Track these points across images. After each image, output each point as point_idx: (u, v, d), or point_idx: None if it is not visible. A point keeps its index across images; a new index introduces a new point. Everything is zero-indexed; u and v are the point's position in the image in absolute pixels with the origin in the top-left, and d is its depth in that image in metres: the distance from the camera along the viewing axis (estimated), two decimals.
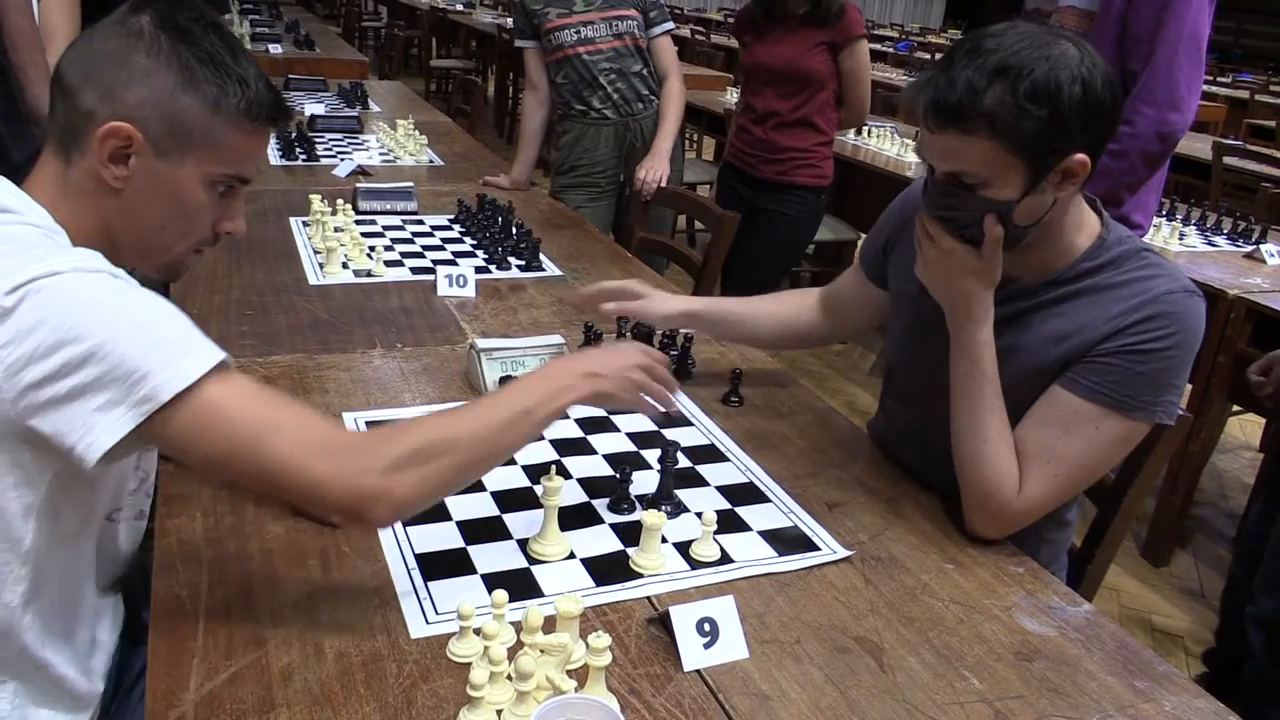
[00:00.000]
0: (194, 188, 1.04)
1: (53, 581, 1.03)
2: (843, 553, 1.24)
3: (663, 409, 1.20)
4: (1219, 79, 9.69)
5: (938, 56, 9.67)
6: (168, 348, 0.91)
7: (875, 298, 1.60)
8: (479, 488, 1.31)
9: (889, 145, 4.42)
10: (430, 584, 1.11)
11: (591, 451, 1.44)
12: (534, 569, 1.16)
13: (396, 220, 2.50)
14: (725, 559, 1.21)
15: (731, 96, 5.53)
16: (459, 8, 10.50)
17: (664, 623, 1.06)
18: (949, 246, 1.26)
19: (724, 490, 1.37)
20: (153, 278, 1.12)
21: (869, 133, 4.53)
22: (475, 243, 2.37)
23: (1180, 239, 3.18)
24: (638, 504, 1.29)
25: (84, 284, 0.92)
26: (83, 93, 0.99)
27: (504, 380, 1.51)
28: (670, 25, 3.09)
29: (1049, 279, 1.30)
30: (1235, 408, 2.80)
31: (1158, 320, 1.22)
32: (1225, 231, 3.37)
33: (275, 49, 5.30)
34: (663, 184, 2.87)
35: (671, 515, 1.26)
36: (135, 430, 0.89)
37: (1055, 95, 1.13)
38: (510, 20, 8.29)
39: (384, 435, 0.99)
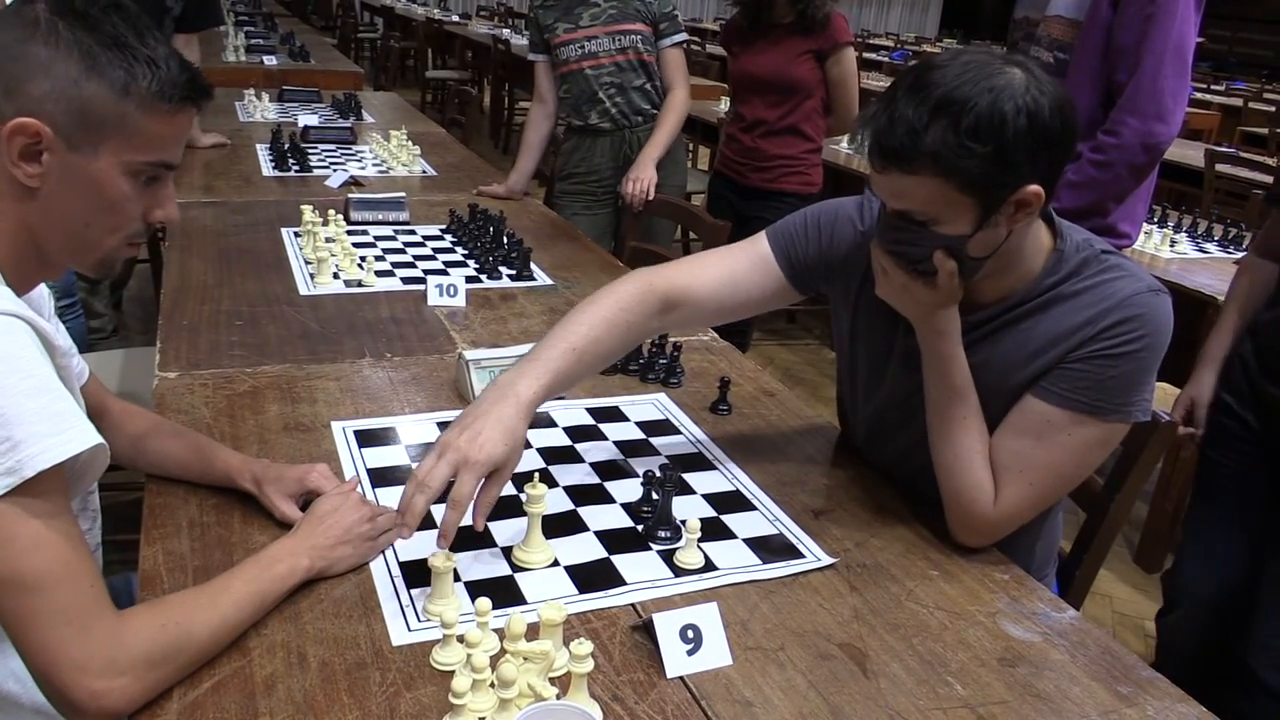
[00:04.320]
0: (114, 179, 0.99)
1: None
2: (827, 560, 1.24)
3: (405, 536, 1.13)
4: (1213, 87, 9.72)
5: None
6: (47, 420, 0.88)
7: (785, 290, 1.44)
8: None
9: None
10: (413, 591, 1.12)
11: (579, 460, 1.45)
12: (517, 576, 1.16)
13: (388, 230, 2.51)
14: (709, 566, 1.21)
15: (726, 106, 5.55)
16: (455, 19, 10.55)
17: (647, 630, 1.06)
18: (901, 282, 1.24)
19: (710, 498, 1.37)
20: (89, 276, 1.08)
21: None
22: (466, 252, 2.38)
23: (1171, 246, 3.20)
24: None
25: None
26: None
27: None
28: (681, 37, 3.05)
29: (1013, 301, 1.27)
30: None
31: (1127, 324, 1.20)
32: (1216, 238, 3.38)
33: (270, 60, 5.29)
34: (650, 193, 2.86)
35: (670, 540, 1.25)
36: None
37: (1000, 129, 1.09)
38: (506, 32, 8.38)
39: (125, 632, 0.91)
